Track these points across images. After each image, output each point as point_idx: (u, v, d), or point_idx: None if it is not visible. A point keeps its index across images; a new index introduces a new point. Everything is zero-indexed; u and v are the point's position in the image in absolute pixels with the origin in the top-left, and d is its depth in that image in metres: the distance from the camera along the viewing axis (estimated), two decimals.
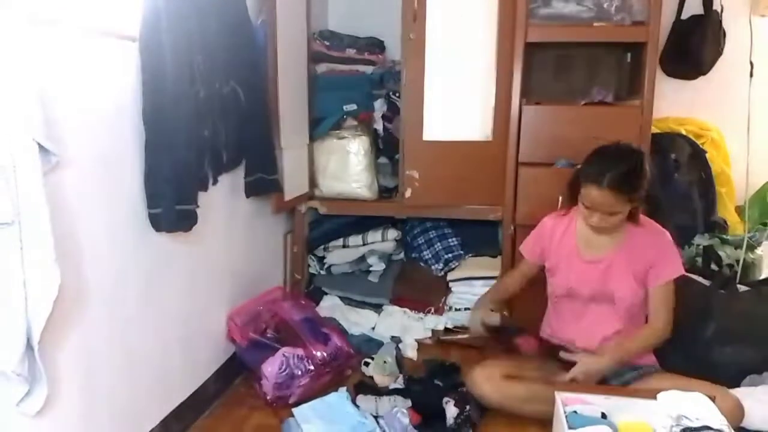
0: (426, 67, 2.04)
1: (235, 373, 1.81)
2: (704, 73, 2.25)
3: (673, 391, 1.35)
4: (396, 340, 2.05)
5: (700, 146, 2.18)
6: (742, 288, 1.82)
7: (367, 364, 1.83)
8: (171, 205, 1.29)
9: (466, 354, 2.04)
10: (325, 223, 2.31)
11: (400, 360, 1.90)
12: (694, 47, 2.19)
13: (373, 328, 2.13)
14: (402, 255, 2.36)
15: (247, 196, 1.76)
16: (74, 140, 1.09)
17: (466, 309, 2.16)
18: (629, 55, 2.19)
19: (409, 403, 1.61)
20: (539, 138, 1.99)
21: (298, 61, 2.05)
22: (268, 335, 1.77)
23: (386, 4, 2.25)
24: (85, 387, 1.17)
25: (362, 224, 2.28)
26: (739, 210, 2.22)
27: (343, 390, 1.65)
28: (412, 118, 2.08)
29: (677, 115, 2.31)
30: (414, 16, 2.00)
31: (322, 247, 2.30)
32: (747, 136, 2.03)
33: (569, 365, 1.64)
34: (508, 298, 1.87)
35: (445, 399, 1.59)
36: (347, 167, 2.17)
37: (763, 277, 2.01)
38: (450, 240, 2.28)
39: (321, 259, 2.31)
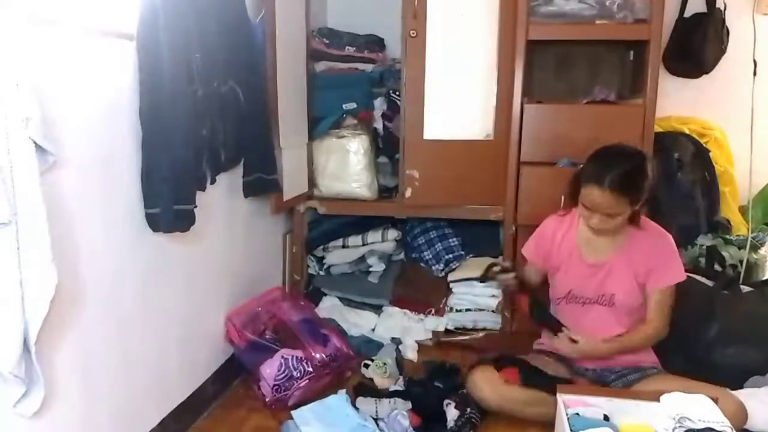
0: (426, 65, 2.03)
1: (233, 375, 1.80)
2: (707, 72, 2.24)
3: (675, 393, 1.34)
4: (396, 341, 2.04)
5: (704, 145, 2.17)
6: (745, 288, 1.81)
7: (366, 365, 1.82)
8: (169, 205, 1.28)
9: (466, 355, 2.03)
10: (325, 223, 2.30)
11: (400, 362, 1.89)
12: (697, 45, 2.18)
13: (373, 330, 2.12)
14: (402, 255, 2.35)
15: (246, 196, 1.75)
16: (71, 140, 1.08)
17: (467, 310, 2.15)
18: (632, 53, 2.18)
19: (409, 405, 1.60)
20: (541, 137, 1.97)
21: (297, 60, 2.04)
22: (267, 336, 1.76)
23: (386, 1, 2.24)
24: (83, 388, 1.16)
25: (362, 224, 2.27)
26: (743, 210, 2.21)
27: (342, 392, 1.64)
28: (413, 116, 2.07)
29: (680, 114, 2.29)
30: (414, 14, 1.99)
31: (322, 247, 2.29)
32: (750, 135, 2.02)
33: (571, 367, 1.64)
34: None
35: (446, 401, 1.59)
36: (347, 167, 2.16)
37: (766, 277, 2.00)
38: (450, 240, 2.27)
39: (320, 260, 2.30)
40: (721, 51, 2.21)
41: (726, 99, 2.27)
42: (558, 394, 1.38)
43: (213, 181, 1.54)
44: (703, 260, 1.98)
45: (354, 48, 2.22)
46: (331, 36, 2.21)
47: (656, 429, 1.27)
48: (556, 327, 1.59)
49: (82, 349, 1.15)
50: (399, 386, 1.73)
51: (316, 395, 1.64)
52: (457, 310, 2.16)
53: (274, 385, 1.61)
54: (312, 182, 2.21)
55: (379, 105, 2.29)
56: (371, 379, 1.78)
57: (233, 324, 1.74)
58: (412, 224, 2.38)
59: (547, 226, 1.70)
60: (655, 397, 1.36)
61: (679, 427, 1.25)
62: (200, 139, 1.41)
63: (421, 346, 2.06)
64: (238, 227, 1.82)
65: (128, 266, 1.28)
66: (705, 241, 2.05)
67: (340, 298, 2.23)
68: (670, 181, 2.08)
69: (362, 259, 2.24)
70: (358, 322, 2.13)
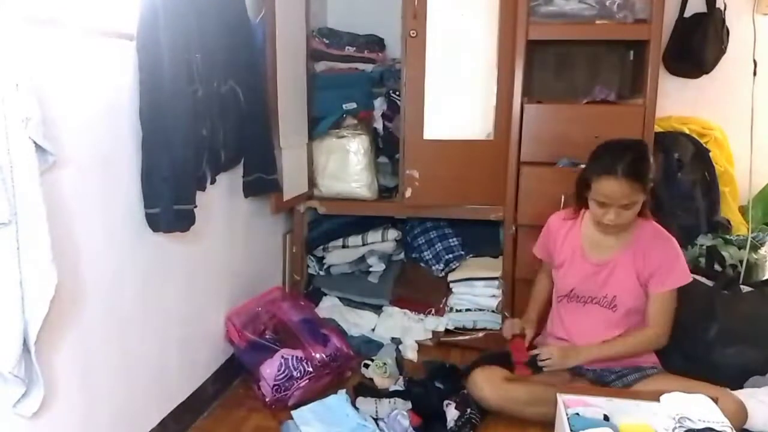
0: (426, 65, 2.02)
1: (233, 375, 1.80)
2: (707, 72, 2.24)
3: (675, 393, 1.34)
4: (396, 341, 2.04)
5: (704, 145, 2.17)
6: (745, 288, 1.81)
7: (366, 365, 1.82)
8: (169, 205, 1.28)
9: (466, 356, 2.03)
10: (325, 223, 2.30)
11: (400, 362, 1.89)
12: (697, 45, 2.18)
13: (373, 330, 2.12)
14: (402, 255, 2.35)
15: (246, 196, 1.75)
16: (71, 139, 1.08)
17: (467, 310, 2.15)
18: (632, 53, 2.17)
19: (409, 405, 1.60)
20: (541, 137, 1.97)
21: (297, 60, 2.03)
22: (267, 336, 1.76)
23: (386, 1, 2.24)
24: (83, 388, 1.16)
25: (362, 224, 2.27)
26: (743, 210, 2.20)
27: (342, 392, 1.64)
28: (413, 116, 2.07)
29: (680, 114, 2.29)
30: (414, 14, 1.99)
31: (322, 247, 2.29)
32: (750, 135, 2.02)
33: (573, 368, 1.64)
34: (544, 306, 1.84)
35: (446, 401, 1.59)
36: (347, 167, 2.16)
37: (766, 277, 1.99)
38: (451, 240, 2.26)
39: (320, 260, 2.30)
40: (721, 51, 2.21)
41: (726, 99, 2.27)
42: (558, 394, 1.38)
43: (213, 181, 1.54)
44: (703, 260, 1.98)
45: (354, 48, 2.22)
46: (331, 36, 2.20)
47: (656, 429, 1.27)
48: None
49: (82, 349, 1.15)
50: (399, 386, 1.72)
51: (316, 395, 1.64)
52: (457, 310, 2.15)
53: (274, 385, 1.61)
54: (312, 182, 2.21)
55: (379, 105, 2.29)
56: (371, 379, 1.78)
57: (233, 324, 1.74)
58: (412, 224, 2.38)
59: (551, 224, 1.71)
60: (655, 397, 1.36)
61: (679, 427, 1.25)
62: (200, 139, 1.41)
63: (421, 346, 2.06)
64: (238, 227, 1.82)
65: (128, 266, 1.28)
66: (705, 241, 2.05)
67: (340, 298, 2.23)
68: (670, 181, 2.08)
69: (362, 259, 2.23)
70: (358, 322, 2.13)
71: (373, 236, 2.25)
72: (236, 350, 1.75)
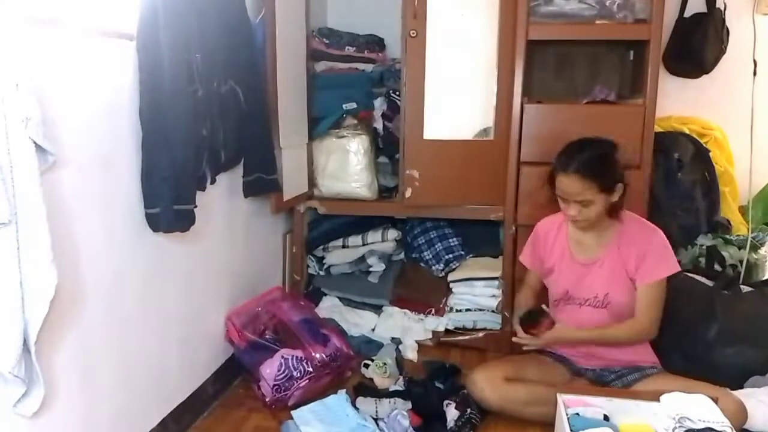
0: (426, 65, 2.02)
1: (233, 375, 1.80)
2: (707, 72, 2.24)
3: (675, 393, 1.34)
4: (396, 341, 2.04)
5: (704, 145, 2.17)
6: (745, 288, 1.81)
7: (366, 365, 1.82)
8: (169, 205, 1.28)
9: (466, 356, 2.03)
10: (325, 223, 2.30)
11: (400, 362, 1.89)
12: (697, 45, 2.17)
13: (373, 330, 2.12)
14: (402, 255, 2.35)
15: (246, 196, 1.75)
16: (71, 139, 1.08)
17: (467, 310, 2.15)
18: (632, 53, 2.17)
19: (409, 405, 1.60)
20: (541, 137, 1.97)
21: (297, 60, 2.03)
22: (267, 336, 1.76)
23: (386, 1, 2.24)
24: (83, 388, 1.16)
25: (362, 224, 2.27)
26: (743, 210, 2.20)
27: (342, 392, 1.64)
28: (413, 116, 2.07)
29: (680, 114, 2.29)
30: (414, 14, 1.99)
31: (322, 247, 2.29)
32: (750, 135, 2.02)
33: (571, 367, 1.64)
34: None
35: (446, 401, 1.59)
36: (347, 167, 2.16)
37: (766, 277, 1.99)
38: (451, 240, 2.26)
39: (320, 260, 2.30)
40: (721, 51, 2.21)
41: (726, 99, 2.27)
42: (558, 394, 1.38)
43: (213, 181, 1.54)
44: (703, 260, 1.98)
45: (354, 48, 2.22)
46: (331, 36, 2.20)
47: (656, 429, 1.27)
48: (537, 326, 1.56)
49: (82, 349, 1.15)
50: (399, 386, 1.72)
51: (316, 395, 1.64)
52: (457, 310, 2.15)
53: (274, 385, 1.61)
54: (312, 182, 2.21)
55: (379, 105, 2.29)
56: (371, 379, 1.78)
57: (233, 324, 1.74)
58: (412, 224, 2.38)
59: (539, 230, 1.72)
60: (655, 397, 1.36)
61: (679, 427, 1.25)
62: (200, 139, 1.41)
63: (421, 346, 2.06)
64: (238, 227, 1.82)
65: (128, 266, 1.28)
66: (705, 241, 2.05)
67: (340, 298, 2.23)
68: (670, 181, 2.08)
69: (362, 259, 2.23)
70: (358, 322, 2.13)
71: (373, 236, 2.25)
72: (236, 350, 1.75)
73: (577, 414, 1.30)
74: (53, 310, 0.97)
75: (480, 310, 2.14)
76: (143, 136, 1.25)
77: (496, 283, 2.12)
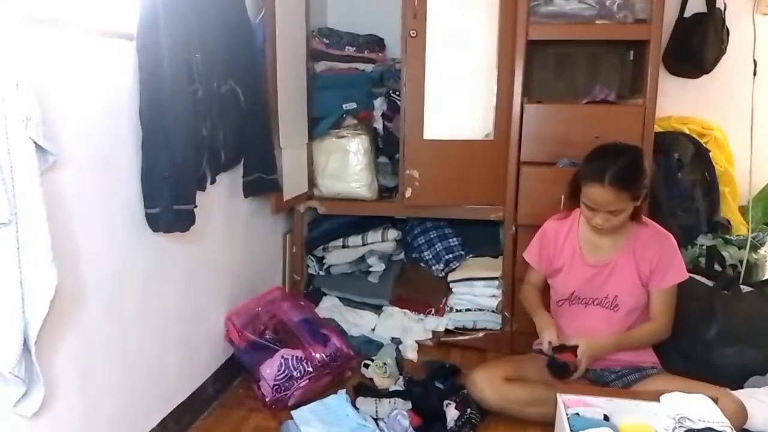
0: (426, 65, 2.02)
1: (233, 375, 1.80)
2: (707, 72, 2.24)
3: (675, 393, 1.34)
4: (396, 341, 2.04)
5: (704, 145, 2.17)
6: (745, 288, 1.81)
7: (366, 365, 1.82)
8: (169, 205, 1.28)
9: (466, 356, 2.03)
10: (325, 223, 2.30)
11: (400, 362, 1.89)
12: (697, 45, 2.17)
13: (373, 330, 2.12)
14: (402, 255, 2.35)
15: (246, 196, 1.75)
16: (71, 139, 1.08)
17: (467, 310, 2.15)
18: (632, 53, 2.17)
19: (409, 405, 1.60)
20: (541, 137, 1.97)
21: (297, 60, 2.03)
22: (267, 336, 1.76)
23: (386, 1, 2.24)
24: (83, 388, 1.16)
25: (362, 224, 2.27)
26: (743, 210, 2.20)
27: (342, 392, 1.64)
28: (413, 116, 2.07)
29: (680, 114, 2.29)
30: (414, 14, 1.99)
31: (322, 247, 2.29)
32: (750, 135, 2.02)
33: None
34: None
35: (446, 401, 1.59)
36: (347, 167, 2.16)
37: (766, 277, 1.99)
38: (451, 240, 2.26)
39: (320, 260, 2.30)
40: (721, 51, 2.21)
41: (726, 99, 2.27)
42: (558, 394, 1.38)
43: (213, 181, 1.54)
44: (703, 260, 1.98)
45: (354, 48, 2.22)
46: (331, 36, 2.20)
47: (656, 429, 1.27)
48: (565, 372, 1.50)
49: (82, 349, 1.15)
50: (399, 386, 1.72)
51: (316, 395, 1.64)
52: (457, 310, 2.15)
53: (274, 385, 1.61)
54: (312, 182, 2.21)
55: (379, 105, 2.29)
56: (371, 379, 1.78)
57: (233, 324, 1.74)
58: (412, 224, 2.38)
59: (548, 229, 1.70)
60: (655, 397, 1.36)
61: (679, 427, 1.25)
62: (200, 139, 1.41)
63: (421, 346, 2.06)
64: (238, 227, 1.82)
65: (128, 266, 1.28)
66: (705, 241, 2.05)
67: (340, 298, 2.23)
68: (670, 181, 2.08)
69: (362, 259, 2.23)
70: (358, 322, 2.13)
71: (373, 236, 2.25)
72: (236, 350, 1.75)
73: (577, 414, 1.30)
74: (53, 310, 0.97)
75: (480, 310, 2.14)
76: (143, 136, 1.25)
77: (496, 283, 2.12)
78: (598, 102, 1.99)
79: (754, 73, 2.06)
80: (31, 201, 0.92)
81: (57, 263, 0.95)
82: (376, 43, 2.29)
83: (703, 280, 1.83)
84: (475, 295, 2.15)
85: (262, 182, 1.74)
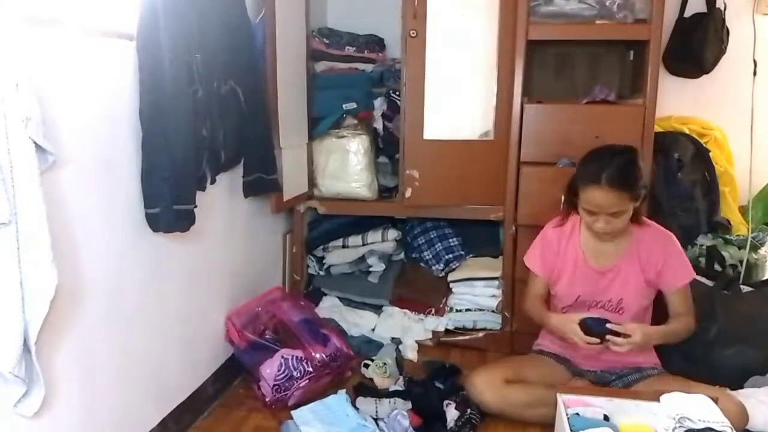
0: (426, 65, 2.02)
1: (234, 375, 1.80)
2: (707, 72, 2.24)
3: (675, 393, 1.34)
4: (396, 341, 2.04)
5: (704, 145, 2.17)
6: (745, 288, 1.81)
7: (366, 365, 1.82)
8: (169, 205, 1.28)
9: (466, 356, 2.03)
10: (325, 223, 2.30)
11: (400, 362, 1.89)
12: (697, 45, 2.17)
13: (373, 330, 2.12)
14: (402, 255, 2.35)
15: (246, 196, 1.75)
16: (71, 139, 1.08)
17: (467, 310, 2.15)
18: (632, 53, 2.17)
19: (409, 405, 1.60)
20: (541, 137, 1.97)
21: (297, 60, 2.03)
22: (267, 336, 1.76)
23: (386, 1, 2.24)
24: (83, 388, 1.16)
25: (362, 224, 2.27)
26: (743, 210, 2.20)
27: (342, 392, 1.64)
28: (413, 116, 2.07)
29: (680, 114, 2.29)
30: (414, 14, 1.99)
31: (322, 247, 2.29)
32: (750, 135, 2.02)
33: (571, 368, 1.63)
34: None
35: (446, 402, 1.59)
36: (347, 167, 2.16)
37: (766, 277, 1.99)
38: (451, 240, 2.26)
39: (320, 260, 2.30)
40: (721, 51, 2.21)
41: (726, 99, 2.27)
42: (558, 395, 1.38)
43: (213, 181, 1.54)
44: (703, 260, 1.98)
45: (354, 48, 2.22)
46: (331, 36, 2.20)
47: (656, 429, 1.27)
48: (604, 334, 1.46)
49: (82, 349, 1.15)
50: (399, 386, 1.72)
51: (316, 395, 1.64)
52: (457, 310, 2.15)
53: (274, 385, 1.61)
54: (312, 182, 2.21)
55: (379, 105, 2.29)
56: (371, 379, 1.78)
57: (233, 324, 1.74)
58: (412, 224, 2.38)
59: (548, 235, 1.66)
60: (655, 397, 1.36)
61: (679, 427, 1.25)
62: (200, 139, 1.41)
63: (421, 346, 2.06)
64: (238, 227, 1.82)
65: (128, 266, 1.28)
66: (705, 241, 2.05)
67: (340, 298, 2.23)
68: (670, 181, 2.08)
69: (362, 259, 2.23)
70: (358, 322, 2.13)
71: (373, 236, 2.25)
72: (236, 350, 1.75)
73: (577, 414, 1.30)
74: (53, 310, 0.97)
75: (480, 310, 2.14)
76: (143, 136, 1.25)
77: (496, 283, 2.12)
78: (598, 102, 1.99)
79: (754, 73, 2.06)
80: (31, 201, 0.91)
81: (57, 263, 0.95)
82: (376, 43, 2.29)
83: (703, 280, 1.83)
84: (475, 295, 2.15)
85: (262, 182, 1.74)
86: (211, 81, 1.44)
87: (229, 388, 1.78)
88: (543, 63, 2.24)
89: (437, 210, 2.18)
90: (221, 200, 1.68)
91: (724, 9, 2.19)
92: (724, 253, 1.95)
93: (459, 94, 2.09)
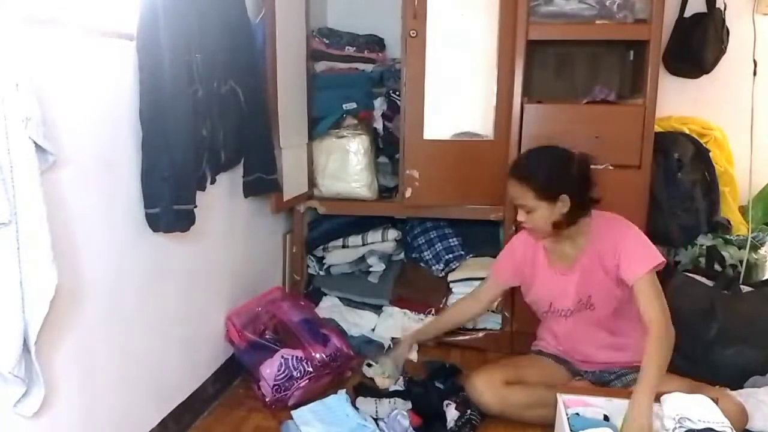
0: (426, 65, 2.02)
1: (234, 375, 1.80)
2: (707, 72, 2.24)
3: (675, 393, 1.34)
4: (396, 341, 2.04)
5: (704, 145, 2.17)
6: (745, 288, 1.81)
7: (369, 365, 1.82)
8: (169, 205, 1.28)
9: (466, 356, 2.03)
10: (325, 223, 2.30)
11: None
12: (697, 45, 2.18)
13: (373, 330, 2.12)
14: (402, 255, 2.35)
15: (246, 196, 1.75)
16: (71, 139, 1.08)
17: None
18: (632, 53, 2.17)
19: (409, 405, 1.60)
20: (541, 137, 1.96)
21: (297, 60, 2.03)
22: (267, 336, 1.76)
23: (386, 1, 2.24)
24: (83, 388, 1.16)
25: (362, 224, 2.27)
26: (743, 210, 2.21)
27: (342, 392, 1.64)
28: (413, 116, 2.07)
29: (680, 114, 2.29)
30: (414, 14, 1.99)
31: (322, 247, 2.29)
32: (750, 135, 2.02)
33: (571, 369, 1.63)
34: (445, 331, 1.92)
35: (446, 402, 1.59)
36: (347, 167, 2.16)
37: (766, 277, 2.00)
38: (451, 240, 2.26)
39: (320, 260, 2.30)
40: (721, 51, 2.21)
41: (726, 99, 2.27)
42: (558, 395, 1.38)
43: (213, 181, 1.54)
44: (703, 260, 1.98)
45: (354, 48, 2.22)
46: (331, 36, 2.20)
47: (656, 429, 1.27)
48: None
49: (82, 349, 1.15)
50: (399, 386, 1.72)
51: (316, 395, 1.64)
52: None
53: (274, 385, 1.61)
54: (312, 182, 2.21)
55: (379, 105, 2.29)
56: (371, 379, 1.78)
57: (233, 324, 1.74)
58: (412, 224, 2.38)
59: (515, 242, 1.69)
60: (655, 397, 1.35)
61: (679, 427, 1.25)
62: (200, 139, 1.41)
63: (421, 346, 2.06)
64: (238, 227, 1.82)
65: (128, 266, 1.28)
66: (705, 241, 2.05)
67: (340, 298, 2.23)
68: (670, 181, 2.08)
69: (362, 259, 2.23)
70: (358, 322, 2.13)
71: (373, 236, 2.25)
72: (236, 350, 1.75)
73: (577, 414, 1.30)
74: (53, 310, 0.96)
75: None
76: (143, 136, 1.25)
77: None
78: (598, 102, 1.99)
79: (754, 73, 2.06)
80: (31, 201, 0.91)
81: (57, 263, 0.95)
82: (376, 43, 2.29)
83: (703, 280, 1.84)
84: None
85: (262, 182, 1.74)
86: (211, 81, 1.44)
87: (229, 388, 1.78)
88: (543, 63, 2.24)
89: (437, 210, 2.18)
90: (221, 200, 1.68)
91: (724, 9, 2.19)
92: (724, 253, 1.96)
93: (459, 95, 2.09)
